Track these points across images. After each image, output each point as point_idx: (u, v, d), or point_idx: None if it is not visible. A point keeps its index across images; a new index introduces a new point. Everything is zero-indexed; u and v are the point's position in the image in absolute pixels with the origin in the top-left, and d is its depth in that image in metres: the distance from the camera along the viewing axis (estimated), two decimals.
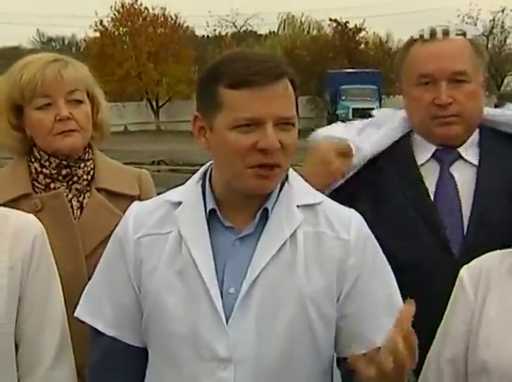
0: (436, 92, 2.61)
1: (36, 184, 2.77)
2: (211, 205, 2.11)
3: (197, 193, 2.15)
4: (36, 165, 2.77)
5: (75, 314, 2.24)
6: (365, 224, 2.19)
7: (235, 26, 50.40)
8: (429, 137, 2.69)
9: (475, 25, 44.92)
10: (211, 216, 2.11)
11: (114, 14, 44.61)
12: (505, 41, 47.14)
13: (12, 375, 2.28)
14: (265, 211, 2.09)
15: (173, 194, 2.20)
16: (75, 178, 2.79)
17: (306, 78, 40.60)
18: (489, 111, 2.76)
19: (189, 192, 2.18)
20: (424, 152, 2.70)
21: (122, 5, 44.74)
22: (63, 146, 2.73)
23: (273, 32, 54.29)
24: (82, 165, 2.81)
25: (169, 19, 45.64)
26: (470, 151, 2.69)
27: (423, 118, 2.67)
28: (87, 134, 2.79)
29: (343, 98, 34.87)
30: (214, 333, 2.04)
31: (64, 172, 2.77)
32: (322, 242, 2.10)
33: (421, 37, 2.67)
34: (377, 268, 2.17)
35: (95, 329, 2.19)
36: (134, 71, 42.02)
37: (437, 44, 2.64)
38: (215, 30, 50.90)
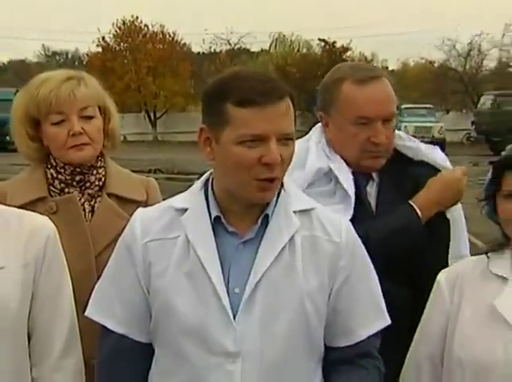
0: (372, 131, 2.67)
1: (52, 188, 2.81)
2: (215, 212, 2.14)
3: (201, 201, 2.17)
4: (52, 171, 2.82)
5: (86, 314, 2.25)
6: (352, 228, 2.24)
7: (230, 44, 50.15)
8: (355, 165, 2.74)
9: (454, 47, 45.19)
10: (216, 222, 2.14)
11: (116, 31, 44.78)
12: (481, 63, 47.27)
13: (25, 362, 2.32)
14: (266, 216, 2.13)
15: (177, 201, 2.23)
16: (88, 184, 2.83)
17: (296, 94, 40.43)
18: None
19: (193, 199, 2.20)
20: (344, 175, 2.72)
21: (124, 22, 44.86)
22: (75, 158, 2.78)
23: (265, 50, 54.25)
24: (94, 172, 2.84)
25: (167, 36, 45.76)
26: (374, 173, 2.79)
27: (355, 151, 2.71)
28: (98, 146, 2.83)
29: None
30: (222, 329, 2.07)
31: (77, 178, 2.81)
32: (317, 244, 2.15)
33: (355, 77, 2.70)
34: (364, 268, 2.23)
35: (104, 327, 2.20)
36: (134, 84, 42.04)
37: (373, 87, 2.69)
38: (210, 47, 50.77)
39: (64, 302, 2.38)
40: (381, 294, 2.25)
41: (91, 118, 2.80)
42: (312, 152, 2.74)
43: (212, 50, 50.80)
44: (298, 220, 2.16)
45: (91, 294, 2.30)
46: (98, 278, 2.45)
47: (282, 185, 2.19)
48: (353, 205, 2.65)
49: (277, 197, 2.18)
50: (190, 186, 2.30)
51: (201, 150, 2.15)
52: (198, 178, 2.26)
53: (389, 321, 2.25)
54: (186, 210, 2.18)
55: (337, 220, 2.25)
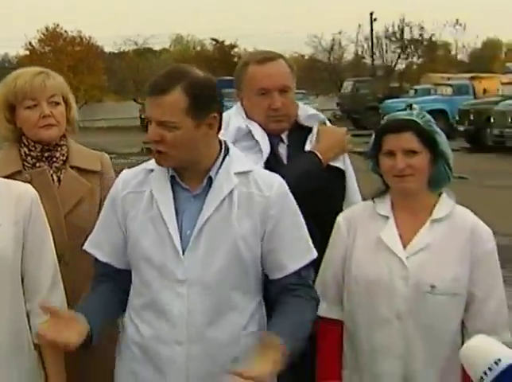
0: (270, 100, 2.80)
1: (26, 163, 2.82)
2: (171, 172, 2.26)
3: None
4: (25, 149, 2.82)
5: (83, 248, 2.43)
6: (285, 185, 2.31)
7: (136, 44, 49.26)
8: (265, 128, 2.83)
9: (320, 43, 45.61)
10: (173, 180, 2.25)
11: (41, 36, 43.65)
12: (342, 56, 47.85)
13: (20, 298, 2.36)
14: (210, 177, 2.24)
15: (149, 164, 2.33)
16: (54, 159, 2.84)
17: None
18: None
19: None
20: (260, 134, 2.82)
21: (47, 29, 43.70)
22: (45, 135, 2.80)
23: (166, 49, 53.65)
24: (59, 149, 2.86)
25: (84, 39, 44.85)
26: (284, 136, 2.90)
27: (262, 117, 2.82)
28: (62, 128, 2.85)
29: (225, 99, 34.78)
30: (174, 262, 2.20)
31: (46, 154, 2.83)
32: (251, 198, 2.24)
33: (255, 59, 2.84)
34: (293, 215, 2.31)
35: (96, 258, 2.40)
36: None
37: (269, 65, 2.82)
38: (120, 48, 49.72)
39: (48, 250, 2.43)
40: (307, 234, 2.34)
41: (57, 104, 2.83)
42: (232, 116, 2.83)
43: (122, 50, 49.83)
44: (237, 179, 2.25)
45: (61, 244, 2.47)
46: (67, 232, 2.64)
47: (228, 152, 2.29)
48: (265, 159, 2.74)
49: (222, 162, 2.27)
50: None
51: None
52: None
53: (315, 255, 2.34)
54: (152, 170, 2.28)
55: (270, 178, 2.33)
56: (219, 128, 2.29)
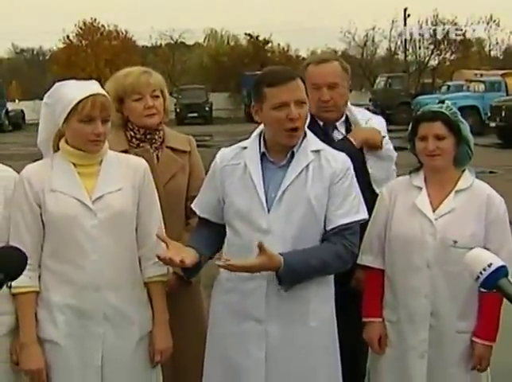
0: (320, 93, 3.44)
1: (131, 144, 3.40)
2: (263, 149, 2.84)
3: (256, 142, 2.86)
4: (131, 132, 3.41)
5: (192, 206, 3.07)
6: (348, 161, 2.84)
7: (171, 38, 49.78)
8: (318, 117, 3.46)
9: (353, 38, 45.78)
10: (263, 155, 2.83)
11: (78, 30, 44.41)
12: (375, 51, 47.98)
13: (135, 245, 2.93)
14: (292, 152, 2.81)
15: (243, 143, 2.91)
16: (154, 140, 3.43)
17: (227, 78, 40.94)
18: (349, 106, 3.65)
19: (251, 142, 2.88)
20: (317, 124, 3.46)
21: (84, 23, 44.46)
22: (148, 122, 3.39)
23: (199, 43, 54.02)
24: (157, 133, 3.45)
25: (120, 33, 45.53)
26: (340, 125, 3.56)
27: (314, 107, 3.35)
28: (161, 116, 3.44)
29: None
30: (261, 217, 2.75)
31: (148, 137, 3.41)
32: (322, 169, 2.79)
33: (314, 61, 3.50)
34: (350, 185, 2.82)
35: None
36: (94, 74, 41.29)
37: (322, 66, 3.47)
38: (156, 42, 50.22)
39: (156, 209, 3.00)
40: (361, 199, 2.84)
41: (157, 97, 3.42)
42: None
43: (156, 44, 50.26)
44: (312, 156, 2.79)
45: (160, 208, 3.02)
46: (165, 198, 3.17)
47: (306, 135, 2.85)
48: None
49: (302, 141, 2.82)
50: None
51: (254, 117, 2.84)
52: None
53: (358, 217, 2.81)
54: (246, 148, 2.89)
55: (337, 155, 2.85)
56: None
